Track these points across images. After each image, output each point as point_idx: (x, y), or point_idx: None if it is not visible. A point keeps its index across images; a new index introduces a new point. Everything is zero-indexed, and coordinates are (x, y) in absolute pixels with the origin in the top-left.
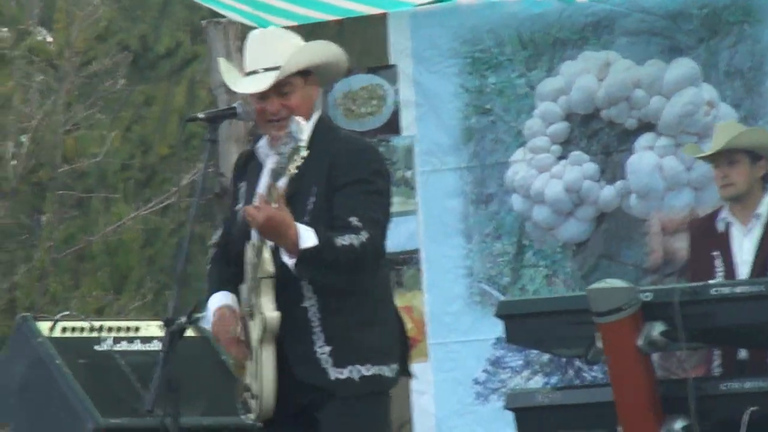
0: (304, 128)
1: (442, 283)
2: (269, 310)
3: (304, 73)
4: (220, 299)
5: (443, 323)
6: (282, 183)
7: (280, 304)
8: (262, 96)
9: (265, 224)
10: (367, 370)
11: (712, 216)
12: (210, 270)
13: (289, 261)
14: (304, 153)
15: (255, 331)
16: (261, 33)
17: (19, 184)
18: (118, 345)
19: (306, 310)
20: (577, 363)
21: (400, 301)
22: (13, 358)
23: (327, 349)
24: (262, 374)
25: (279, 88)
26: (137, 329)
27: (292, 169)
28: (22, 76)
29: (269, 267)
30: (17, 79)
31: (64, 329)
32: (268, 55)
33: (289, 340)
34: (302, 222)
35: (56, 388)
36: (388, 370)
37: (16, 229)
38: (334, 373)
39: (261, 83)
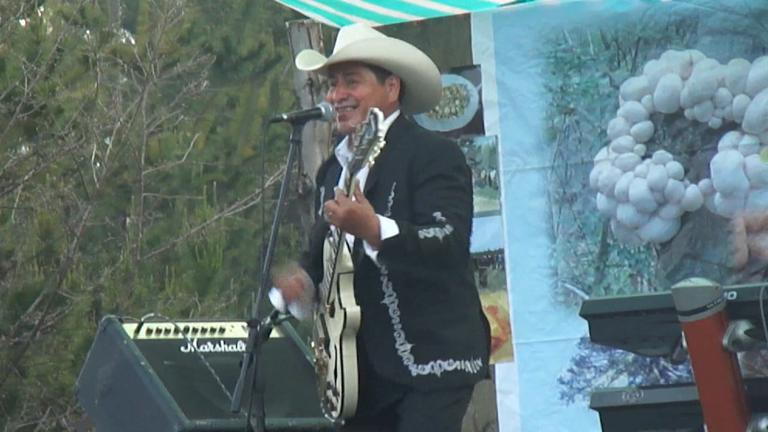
0: (381, 119)
1: (526, 283)
2: (350, 305)
3: (379, 71)
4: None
5: (528, 323)
6: (361, 175)
7: (361, 300)
8: (334, 84)
9: (347, 217)
10: (450, 365)
11: None
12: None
13: (372, 253)
14: (382, 144)
15: (336, 327)
16: (348, 27)
17: (103, 186)
18: (203, 346)
19: (386, 307)
20: (662, 362)
21: (484, 301)
22: (99, 360)
23: (408, 346)
24: (344, 371)
25: (347, 76)
26: (222, 330)
27: (371, 159)
28: (106, 79)
29: (348, 262)
30: (101, 82)
31: (149, 331)
32: (342, 44)
33: (370, 336)
34: (384, 217)
35: (142, 390)
36: (470, 366)
37: (101, 232)
38: (416, 370)
39: (317, 61)
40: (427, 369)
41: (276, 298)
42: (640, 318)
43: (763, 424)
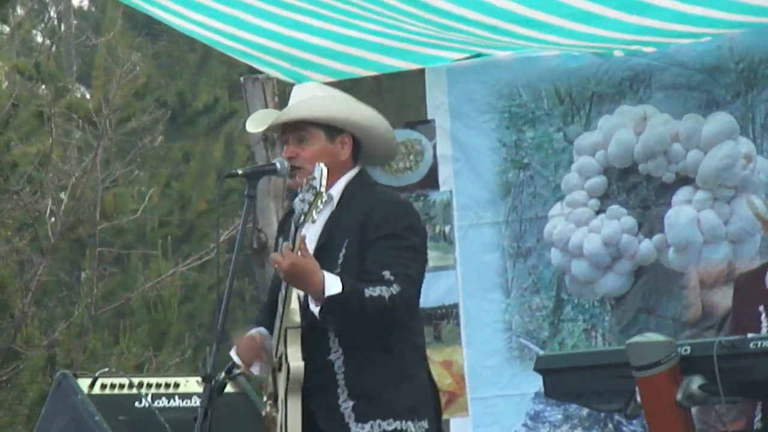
0: (325, 174)
1: (481, 338)
2: (294, 360)
3: (329, 129)
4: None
5: (482, 378)
6: (314, 230)
7: (308, 355)
8: (285, 142)
9: (290, 270)
10: (389, 425)
11: (761, 270)
12: (255, 318)
13: (315, 308)
14: (324, 199)
15: (282, 382)
16: (300, 86)
17: (58, 241)
18: (157, 401)
19: (332, 363)
20: (617, 417)
21: (439, 355)
22: (53, 415)
23: (350, 404)
24: (288, 426)
25: (297, 134)
26: (177, 385)
27: (314, 214)
28: (61, 134)
29: (296, 317)
30: (56, 137)
31: (103, 386)
32: (292, 102)
33: (315, 392)
34: (333, 274)
35: None
36: (413, 427)
37: (56, 286)
38: (356, 428)
39: (264, 122)
40: (366, 428)
41: (236, 359)
42: (594, 373)
43: None
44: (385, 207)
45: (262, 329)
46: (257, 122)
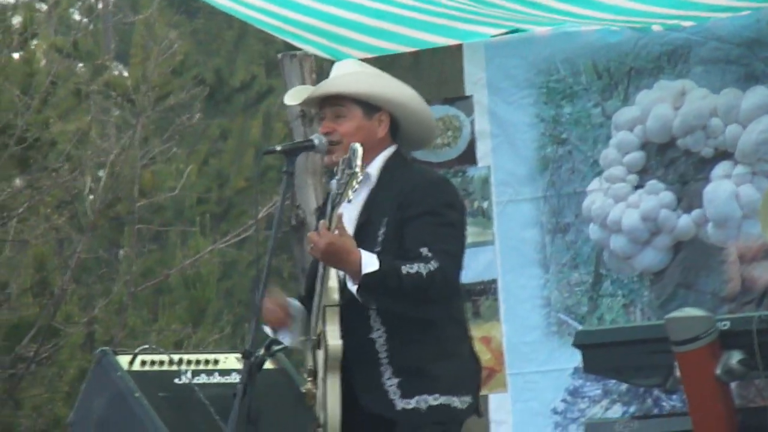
0: (360, 153)
1: (519, 313)
2: (333, 339)
3: (366, 106)
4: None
5: (521, 353)
6: (353, 209)
7: (349, 334)
8: (323, 118)
9: (326, 250)
10: (435, 400)
11: None
12: None
13: (353, 287)
14: (360, 179)
15: (321, 359)
16: (340, 62)
17: (97, 218)
18: (197, 378)
19: (374, 341)
20: (656, 392)
21: (478, 331)
22: (93, 392)
23: (395, 380)
24: (327, 404)
25: (333, 110)
26: (216, 362)
27: (350, 194)
28: (99, 111)
29: (334, 295)
30: (94, 114)
31: (143, 363)
32: (332, 78)
33: (357, 370)
34: (373, 252)
35: (136, 422)
36: (458, 402)
37: (95, 264)
38: (401, 404)
39: (302, 95)
40: (412, 403)
41: (267, 329)
42: (633, 348)
43: None
44: (422, 184)
45: (284, 297)
46: (295, 96)
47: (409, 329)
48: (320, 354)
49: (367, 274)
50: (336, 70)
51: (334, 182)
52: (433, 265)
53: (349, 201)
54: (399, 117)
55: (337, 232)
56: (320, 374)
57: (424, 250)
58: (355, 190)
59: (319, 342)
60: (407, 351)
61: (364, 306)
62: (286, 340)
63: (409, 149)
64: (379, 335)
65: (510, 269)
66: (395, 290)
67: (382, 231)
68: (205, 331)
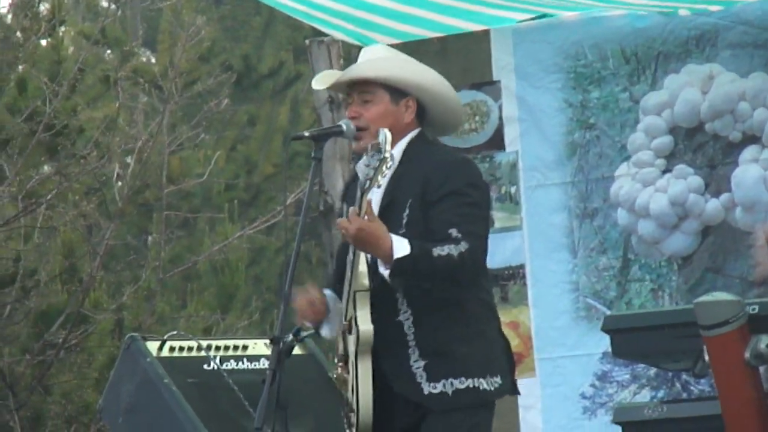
0: (389, 139)
1: (547, 298)
2: (364, 323)
3: (394, 91)
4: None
5: (549, 338)
6: (376, 192)
7: (377, 317)
8: (351, 102)
9: (357, 235)
10: (461, 383)
11: None
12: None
13: (385, 271)
14: (390, 164)
15: (352, 344)
16: (369, 47)
17: (125, 205)
18: (226, 364)
19: (401, 324)
20: (684, 376)
21: (506, 316)
22: (122, 378)
23: (421, 363)
24: (359, 388)
25: (361, 95)
26: (245, 348)
27: (380, 179)
28: (127, 98)
29: (364, 280)
30: (122, 101)
31: (172, 349)
32: (360, 63)
33: (386, 354)
34: (398, 234)
35: (165, 408)
36: (486, 383)
37: (123, 250)
38: (428, 388)
39: (329, 79)
40: (438, 387)
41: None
42: (662, 332)
43: None
44: (445, 165)
45: (327, 291)
46: (323, 80)
47: (435, 311)
48: (351, 339)
49: (399, 259)
50: (364, 55)
51: (361, 165)
52: (463, 246)
53: (379, 186)
54: (426, 102)
55: (366, 217)
56: (351, 359)
57: (453, 231)
58: (385, 176)
59: (350, 327)
60: (433, 333)
61: (392, 289)
62: (325, 332)
63: (436, 134)
64: (406, 318)
65: (538, 254)
66: (427, 273)
67: (406, 213)
68: (233, 317)
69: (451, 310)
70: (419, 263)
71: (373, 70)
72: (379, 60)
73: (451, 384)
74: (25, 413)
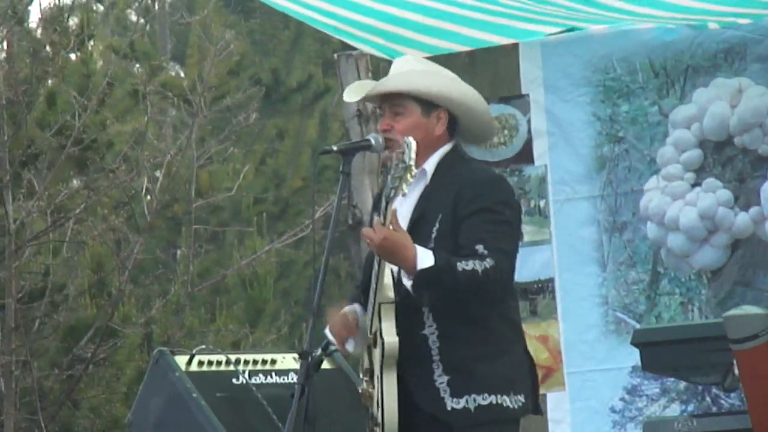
0: (414, 148)
1: (577, 312)
2: (389, 336)
3: (425, 103)
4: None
5: (579, 352)
6: (408, 205)
7: (402, 330)
8: (383, 115)
9: (382, 245)
10: (484, 400)
11: None
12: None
13: (408, 282)
14: (414, 173)
15: (378, 357)
16: (400, 59)
17: (154, 219)
18: (254, 378)
19: (426, 338)
20: (714, 390)
21: (535, 330)
22: (151, 393)
23: (445, 378)
24: (384, 402)
25: (392, 108)
26: (273, 362)
27: (405, 188)
28: (156, 112)
29: (389, 292)
30: (151, 115)
31: (201, 363)
32: (391, 75)
33: (410, 368)
34: (427, 248)
35: (194, 422)
36: (509, 401)
37: (152, 264)
38: (451, 403)
39: (360, 92)
40: (461, 403)
41: (330, 337)
42: (691, 346)
43: None
44: (478, 181)
45: (356, 306)
46: (354, 92)
47: (460, 327)
48: (376, 352)
49: (422, 270)
50: (396, 67)
51: (388, 177)
52: (488, 262)
53: (404, 195)
54: (457, 114)
55: (391, 227)
56: (377, 372)
57: (480, 248)
58: (410, 184)
59: (375, 340)
60: (457, 349)
61: (417, 302)
62: (351, 348)
63: (467, 143)
64: (431, 332)
65: (567, 268)
66: (450, 286)
67: (436, 227)
68: (262, 331)
69: (476, 327)
70: (443, 276)
71: (404, 83)
72: (410, 72)
73: (474, 400)
74: (54, 428)
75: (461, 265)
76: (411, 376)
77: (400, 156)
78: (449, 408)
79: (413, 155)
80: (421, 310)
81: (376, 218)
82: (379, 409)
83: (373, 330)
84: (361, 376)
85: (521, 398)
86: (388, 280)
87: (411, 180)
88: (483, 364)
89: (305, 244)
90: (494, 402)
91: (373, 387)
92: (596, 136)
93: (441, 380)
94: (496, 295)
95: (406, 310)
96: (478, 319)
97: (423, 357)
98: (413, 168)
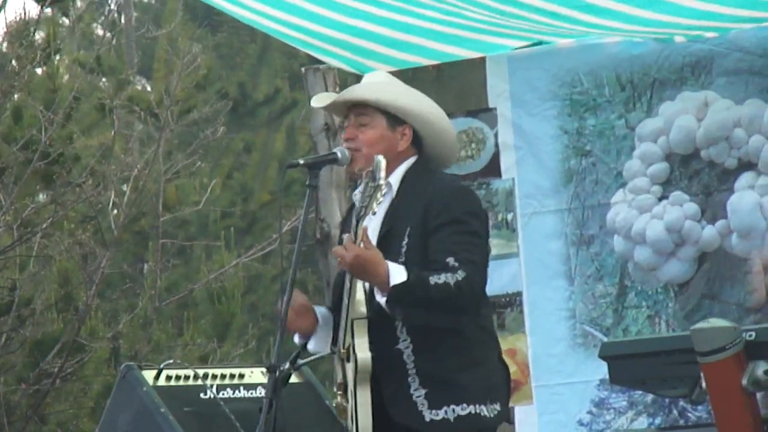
0: (383, 166)
1: (545, 325)
2: (362, 351)
3: (391, 117)
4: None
5: (547, 365)
6: (375, 220)
7: (376, 345)
8: (348, 125)
9: (354, 263)
10: (463, 410)
11: None
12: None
13: (381, 299)
14: (384, 191)
15: (351, 372)
16: (370, 73)
17: (121, 233)
18: (222, 392)
19: (401, 352)
20: (682, 403)
21: (503, 343)
22: (119, 407)
23: (422, 391)
24: (358, 417)
25: (358, 118)
26: (241, 376)
27: (375, 207)
28: (123, 126)
29: (361, 308)
30: (118, 129)
31: (168, 378)
32: (361, 85)
33: (385, 381)
34: (396, 263)
35: None
36: (486, 410)
37: (119, 278)
38: (429, 415)
39: (327, 99)
40: (440, 414)
41: (295, 337)
42: (659, 359)
43: None
44: (445, 193)
45: (323, 309)
46: (322, 99)
47: (435, 339)
48: (349, 367)
49: (395, 286)
50: (365, 80)
51: (357, 194)
52: (460, 274)
53: (374, 214)
54: (422, 133)
55: (362, 244)
56: (350, 387)
57: (451, 260)
58: (380, 203)
59: (348, 355)
60: (433, 361)
61: (390, 317)
62: (312, 345)
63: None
64: (405, 346)
65: (535, 281)
66: (423, 301)
67: (405, 241)
68: (230, 346)
69: (451, 338)
70: (416, 291)
71: (371, 93)
72: (379, 84)
73: (453, 411)
74: None
75: (433, 279)
76: (386, 391)
77: (369, 174)
78: (428, 420)
79: (383, 174)
80: (394, 324)
81: (347, 236)
82: (354, 423)
83: (346, 345)
84: (335, 390)
85: (497, 407)
86: (360, 295)
87: (381, 198)
88: (460, 374)
89: (272, 258)
90: (473, 412)
91: (347, 401)
92: (563, 150)
93: (418, 393)
94: (469, 306)
95: (380, 325)
96: (452, 330)
97: (398, 371)
98: (383, 187)
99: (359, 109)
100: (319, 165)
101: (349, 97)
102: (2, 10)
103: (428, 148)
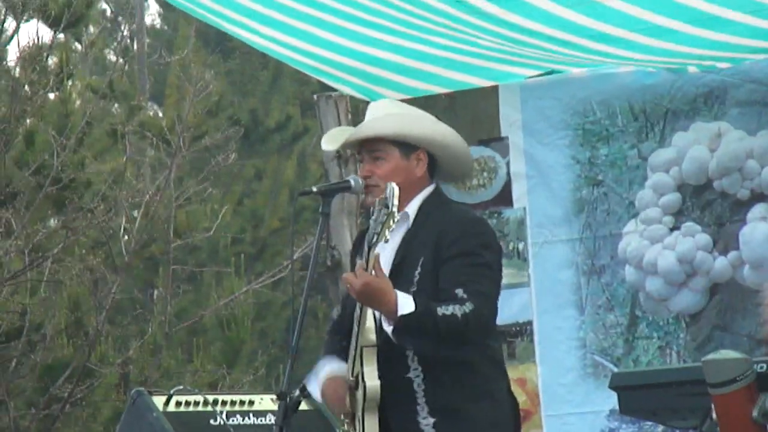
0: (396, 194)
1: (555, 355)
2: (371, 380)
3: (403, 146)
4: (329, 366)
5: (557, 395)
6: (389, 249)
7: (385, 373)
8: (361, 160)
9: (362, 290)
10: None
11: None
12: (325, 341)
13: (388, 328)
14: (397, 218)
15: (359, 400)
16: (375, 103)
17: (132, 259)
18: (232, 419)
19: (411, 381)
20: None
21: (513, 373)
22: None
23: (431, 420)
24: None
25: (371, 153)
26: (251, 403)
27: (387, 234)
28: (134, 152)
29: (371, 335)
30: (129, 155)
31: (178, 403)
32: (367, 119)
33: (394, 410)
34: (408, 293)
35: None
36: None
37: (130, 304)
38: None
39: (338, 139)
40: None
41: (314, 391)
42: (669, 390)
43: None
44: (459, 224)
45: (342, 367)
46: (332, 140)
47: (445, 370)
48: (358, 395)
49: (403, 316)
50: (371, 112)
51: (371, 221)
52: (468, 306)
53: (386, 241)
54: (436, 154)
55: (374, 272)
56: (358, 414)
57: (459, 291)
58: (392, 230)
59: (357, 383)
60: (443, 391)
61: (401, 347)
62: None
63: (446, 181)
64: (416, 375)
65: (545, 311)
66: (431, 332)
67: (418, 271)
68: (239, 372)
69: (460, 369)
70: (423, 321)
71: (381, 128)
72: (386, 117)
73: None
74: None
75: (441, 310)
76: (395, 419)
77: (383, 202)
78: None
79: (396, 201)
80: (405, 353)
81: (359, 263)
82: None
83: (355, 373)
84: (342, 417)
85: None
86: (370, 323)
87: (393, 226)
88: (469, 405)
89: (283, 285)
90: None
91: (354, 429)
92: (575, 179)
93: (426, 422)
94: (476, 338)
95: (390, 353)
96: (462, 361)
97: (407, 399)
98: (396, 214)
99: (371, 144)
100: (333, 192)
101: (359, 136)
102: (15, 36)
103: (443, 168)
